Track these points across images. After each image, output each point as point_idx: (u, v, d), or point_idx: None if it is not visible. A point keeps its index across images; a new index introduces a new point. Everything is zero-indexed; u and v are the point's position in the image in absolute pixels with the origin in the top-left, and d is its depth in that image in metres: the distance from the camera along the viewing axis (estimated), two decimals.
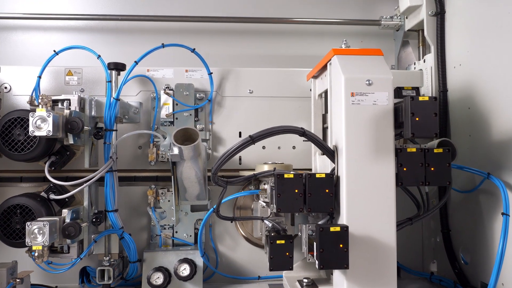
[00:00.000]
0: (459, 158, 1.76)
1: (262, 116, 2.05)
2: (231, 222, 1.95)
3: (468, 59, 1.79)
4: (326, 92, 1.72)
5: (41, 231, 1.41)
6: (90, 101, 1.72)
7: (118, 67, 1.85)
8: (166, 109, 1.95)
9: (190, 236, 1.93)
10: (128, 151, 1.99)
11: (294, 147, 2.06)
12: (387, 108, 1.38)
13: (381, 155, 1.38)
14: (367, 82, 1.38)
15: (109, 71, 1.78)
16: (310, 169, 1.95)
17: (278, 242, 1.48)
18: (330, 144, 1.53)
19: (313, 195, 1.38)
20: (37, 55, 2.43)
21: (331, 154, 1.45)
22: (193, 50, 1.92)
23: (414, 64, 2.20)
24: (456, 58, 1.89)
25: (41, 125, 1.41)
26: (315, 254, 1.34)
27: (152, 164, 1.94)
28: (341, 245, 1.28)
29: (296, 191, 1.39)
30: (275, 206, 1.39)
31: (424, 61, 2.09)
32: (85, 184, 1.58)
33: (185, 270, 1.73)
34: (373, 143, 1.37)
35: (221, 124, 2.04)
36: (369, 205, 1.38)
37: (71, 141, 1.54)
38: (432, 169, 1.42)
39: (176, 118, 1.96)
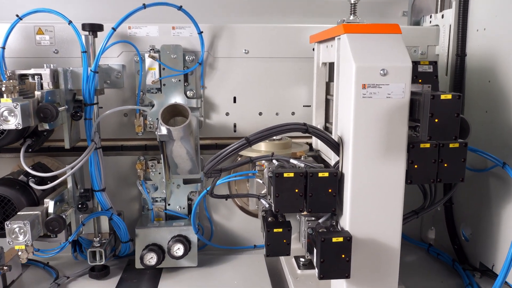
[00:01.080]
0: (471, 135, 1.62)
1: (259, 79, 1.86)
2: (226, 200, 1.86)
3: (495, 24, 1.57)
4: (331, 63, 1.53)
5: (22, 230, 1.31)
6: (65, 74, 1.52)
7: (94, 28, 1.61)
8: (152, 75, 1.75)
9: (184, 208, 1.85)
10: (113, 119, 1.83)
11: (293, 113, 1.91)
12: (402, 101, 1.21)
13: (391, 153, 1.24)
14: (382, 71, 1.19)
15: (83, 37, 1.55)
16: (310, 137, 1.82)
17: (275, 230, 1.41)
18: (334, 133, 1.38)
19: (314, 195, 1.27)
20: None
21: (336, 147, 1.31)
22: (180, 8, 1.67)
23: (430, 17, 1.95)
24: (481, 21, 1.65)
25: (8, 117, 1.23)
26: (315, 261, 1.27)
27: (139, 135, 1.79)
28: (343, 255, 1.20)
29: (296, 190, 1.27)
30: (272, 206, 1.29)
31: (443, 17, 1.85)
32: (67, 174, 1.45)
33: (178, 250, 1.68)
34: (384, 140, 1.23)
35: (214, 89, 1.85)
36: (375, 207, 1.27)
37: (46, 127, 1.38)
38: (446, 165, 1.29)
39: (164, 85, 1.77)
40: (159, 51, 1.74)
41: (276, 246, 1.42)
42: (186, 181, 1.84)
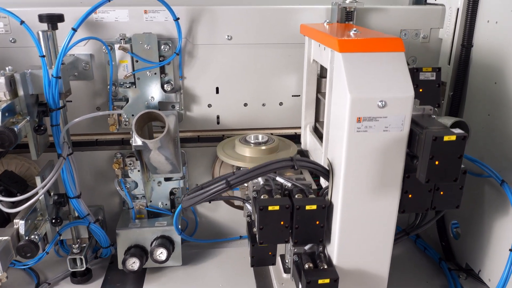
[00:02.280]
0: (470, 138, 1.52)
1: (243, 67, 1.69)
2: (209, 202, 1.78)
3: (509, 18, 1.39)
4: (323, 66, 1.37)
5: None
6: (24, 79, 1.34)
7: (53, 20, 1.40)
8: (124, 68, 1.56)
9: (166, 204, 1.78)
10: (85, 112, 1.66)
11: (281, 103, 1.76)
12: (401, 135, 1.09)
13: (385, 187, 1.14)
14: (380, 103, 1.05)
15: (40, 36, 1.34)
16: (299, 128, 1.70)
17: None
18: (324, 157, 1.27)
19: (301, 227, 1.19)
20: None
21: (326, 174, 1.21)
22: None
23: None
24: (494, 12, 1.46)
25: None
26: None
27: (115, 132, 1.65)
28: None
29: (282, 223, 1.19)
30: (257, 237, 1.22)
31: None
32: (39, 195, 1.34)
33: (161, 254, 1.63)
34: (378, 174, 1.12)
35: (194, 78, 1.68)
36: (365, 238, 1.21)
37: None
38: (442, 193, 1.21)
39: (138, 78, 1.59)
40: (131, 40, 1.54)
41: (261, 258, 1.38)
42: (167, 178, 1.75)
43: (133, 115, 1.63)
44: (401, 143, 1.10)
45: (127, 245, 1.67)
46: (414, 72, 1.33)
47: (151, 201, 1.76)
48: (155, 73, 1.59)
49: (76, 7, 1.51)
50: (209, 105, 1.72)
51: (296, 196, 1.22)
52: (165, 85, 1.61)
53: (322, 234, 1.21)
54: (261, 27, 1.63)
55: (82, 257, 1.58)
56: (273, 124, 1.78)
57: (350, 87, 1.05)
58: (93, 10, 1.36)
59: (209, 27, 1.61)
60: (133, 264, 1.62)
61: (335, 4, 1.58)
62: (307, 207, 1.18)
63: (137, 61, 1.56)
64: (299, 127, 1.69)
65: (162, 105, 1.65)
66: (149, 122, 1.54)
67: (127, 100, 1.62)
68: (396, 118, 1.07)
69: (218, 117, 1.74)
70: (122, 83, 1.58)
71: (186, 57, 1.64)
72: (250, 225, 1.39)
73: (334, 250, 1.22)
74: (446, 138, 1.02)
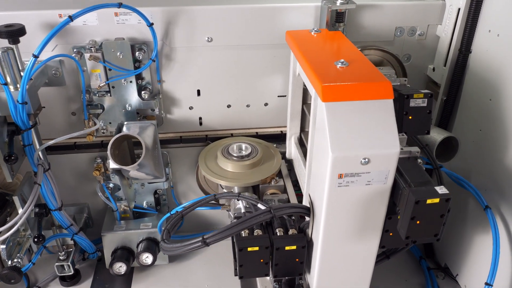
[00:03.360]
0: (460, 151, 1.48)
1: (226, 69, 1.58)
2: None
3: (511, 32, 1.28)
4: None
5: None
6: None
7: (13, 35, 1.27)
8: (97, 77, 1.46)
9: (151, 204, 1.77)
10: (60, 117, 1.59)
11: (266, 104, 1.68)
12: (384, 187, 1.05)
13: (366, 231, 1.13)
14: (364, 160, 1.00)
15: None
16: (285, 127, 1.64)
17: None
18: (305, 193, 1.23)
19: (280, 264, 1.20)
20: None
21: (307, 213, 1.18)
22: (119, 5, 1.30)
23: None
24: (495, 23, 1.34)
25: None
26: None
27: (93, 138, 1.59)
28: None
29: (262, 261, 1.19)
30: (237, 272, 1.22)
31: None
32: (18, 224, 1.31)
33: (147, 258, 1.66)
34: (360, 221, 1.10)
35: (174, 82, 1.58)
36: (345, 273, 1.21)
37: None
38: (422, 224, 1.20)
39: (113, 87, 1.50)
40: (101, 48, 1.42)
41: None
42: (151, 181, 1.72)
43: (110, 123, 1.56)
44: (384, 194, 1.06)
45: (113, 247, 1.69)
46: (405, 99, 1.25)
47: (135, 202, 1.75)
48: (131, 81, 1.49)
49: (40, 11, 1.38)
50: (191, 108, 1.64)
51: (276, 231, 1.21)
52: (143, 93, 1.52)
53: (301, 269, 1.22)
54: (243, 28, 1.50)
55: (69, 263, 1.61)
56: (258, 124, 1.72)
57: (333, 145, 0.99)
58: (54, 33, 1.24)
59: (187, 29, 1.47)
60: (120, 268, 1.65)
61: (324, 4, 1.44)
62: (287, 248, 1.18)
63: (110, 70, 1.45)
64: (285, 126, 1.63)
65: (140, 111, 1.57)
66: (127, 139, 1.48)
67: (103, 107, 1.53)
68: (380, 172, 1.03)
69: (200, 118, 1.67)
70: (96, 92, 1.49)
71: (164, 60, 1.53)
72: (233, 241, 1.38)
73: (313, 281, 1.24)
74: (429, 201, 0.99)
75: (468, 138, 1.49)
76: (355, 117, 1.01)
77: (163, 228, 1.21)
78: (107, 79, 1.46)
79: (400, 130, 1.27)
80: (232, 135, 1.72)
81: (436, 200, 0.98)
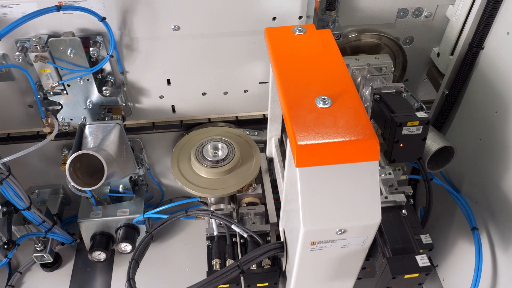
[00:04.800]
0: (456, 156, 1.36)
1: (199, 58, 1.37)
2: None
3: None
4: None
5: None
6: None
7: None
8: (48, 77, 1.27)
9: (128, 188, 1.69)
10: (16, 111, 1.43)
11: (246, 91, 1.50)
12: (360, 249, 0.96)
13: (341, 278, 1.07)
14: (339, 231, 0.89)
15: None
16: (265, 115, 1.51)
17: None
18: (280, 227, 1.13)
19: None
20: None
21: (280, 251, 1.11)
22: (58, 10, 1.05)
23: None
24: None
25: None
26: None
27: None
28: None
29: None
30: None
31: None
32: None
33: (126, 247, 1.63)
34: (333, 273, 1.04)
35: (139, 72, 1.38)
36: None
37: None
38: None
39: (68, 85, 1.31)
40: (48, 46, 1.20)
41: None
42: None
43: (71, 119, 1.41)
44: (361, 253, 0.98)
45: (91, 233, 1.66)
46: (397, 127, 1.09)
47: (110, 186, 1.67)
48: (88, 79, 1.30)
49: None
50: (161, 97, 1.47)
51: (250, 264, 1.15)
52: (104, 89, 1.33)
53: None
54: (216, 14, 1.25)
55: (47, 254, 1.59)
56: (237, 111, 1.56)
57: (305, 218, 0.87)
58: None
59: (148, 17, 1.23)
60: (99, 255, 1.64)
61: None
62: (259, 285, 1.14)
63: (62, 68, 1.25)
64: (265, 115, 1.49)
65: (104, 105, 1.40)
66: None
67: (61, 106, 1.37)
68: (357, 239, 0.93)
69: (173, 106, 1.51)
70: (49, 91, 1.31)
71: (125, 51, 1.31)
72: (209, 250, 1.33)
73: None
74: (406, 277, 0.91)
75: (466, 143, 1.35)
76: (333, 183, 0.88)
77: (130, 259, 1.15)
78: (60, 78, 1.27)
79: (389, 159, 1.14)
80: (209, 120, 1.57)
81: (416, 275, 0.90)
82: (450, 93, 1.38)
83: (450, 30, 1.34)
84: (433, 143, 1.32)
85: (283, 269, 1.16)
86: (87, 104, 1.36)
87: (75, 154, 1.20)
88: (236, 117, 1.58)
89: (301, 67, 1.06)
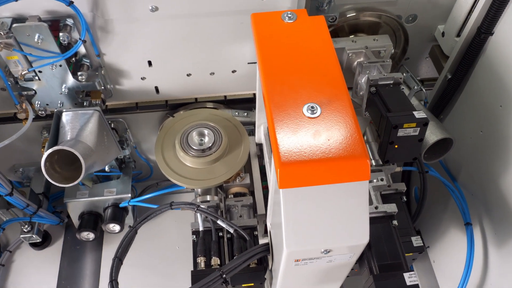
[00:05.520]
0: (454, 146, 1.29)
1: (180, 40, 1.26)
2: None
3: None
4: None
5: None
6: None
7: None
8: (16, 64, 1.16)
9: (114, 167, 1.64)
10: None
11: (234, 71, 1.40)
12: (347, 263, 0.92)
13: (327, 283, 1.05)
14: (324, 251, 0.85)
15: None
16: (255, 94, 1.42)
17: None
18: (267, 221, 1.09)
19: None
20: None
21: (266, 251, 1.07)
22: None
23: None
24: None
25: None
26: None
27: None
28: None
29: None
30: None
31: None
32: None
33: (114, 227, 1.61)
34: (319, 282, 1.01)
35: (116, 54, 1.28)
36: None
37: None
38: None
39: (40, 72, 1.21)
40: (12, 32, 1.09)
41: None
42: None
43: (47, 105, 1.33)
44: (347, 266, 0.94)
45: (79, 212, 1.63)
46: (392, 129, 1.01)
47: None
48: (61, 65, 1.20)
49: None
50: (143, 78, 1.37)
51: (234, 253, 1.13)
52: (79, 74, 1.24)
53: None
54: None
55: (34, 235, 1.57)
56: (225, 91, 1.47)
57: (288, 240, 0.82)
58: None
59: None
60: (88, 235, 1.63)
61: None
62: (244, 285, 1.12)
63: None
64: (254, 94, 1.40)
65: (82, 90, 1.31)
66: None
67: (35, 92, 1.28)
68: (344, 256, 0.89)
69: (156, 87, 1.41)
70: (19, 79, 1.21)
71: (100, 33, 1.20)
72: (194, 246, 1.31)
73: None
74: None
75: (466, 133, 1.28)
76: (319, 204, 0.82)
77: (113, 257, 1.12)
78: (30, 65, 1.17)
79: (382, 160, 1.08)
80: (196, 100, 1.49)
81: None
82: (453, 78, 1.28)
83: (458, 9, 1.22)
84: (431, 134, 1.25)
85: (270, 268, 1.14)
86: (63, 90, 1.27)
87: (49, 151, 1.13)
88: (225, 96, 1.49)
89: (290, 65, 0.95)
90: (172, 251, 1.69)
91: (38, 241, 1.62)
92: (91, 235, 1.62)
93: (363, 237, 0.84)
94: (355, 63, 1.26)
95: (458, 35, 1.24)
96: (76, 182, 1.17)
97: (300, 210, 0.81)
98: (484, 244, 1.24)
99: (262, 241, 1.23)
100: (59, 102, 1.31)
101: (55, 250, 1.69)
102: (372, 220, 0.96)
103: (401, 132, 1.02)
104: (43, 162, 1.14)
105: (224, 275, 0.99)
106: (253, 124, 1.42)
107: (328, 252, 0.85)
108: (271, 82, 0.90)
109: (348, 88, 1.36)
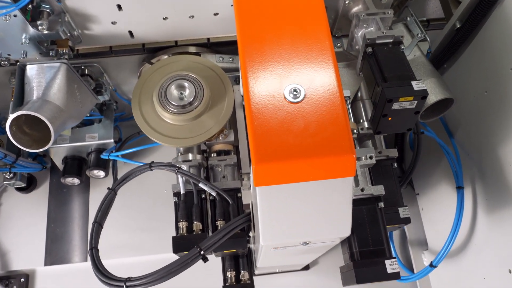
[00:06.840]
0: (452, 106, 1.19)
1: None
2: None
3: None
4: None
5: None
6: None
7: None
8: None
9: (94, 111, 1.55)
10: None
11: (216, 14, 1.24)
12: (327, 245, 0.88)
13: (308, 256, 1.04)
14: (303, 243, 0.81)
15: None
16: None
17: None
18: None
19: None
20: None
21: (247, 222, 1.04)
22: None
23: None
24: None
25: None
26: None
27: None
28: None
29: None
30: None
31: None
32: None
33: (99, 173, 1.58)
34: (300, 255, 1.00)
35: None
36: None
37: None
38: None
39: None
40: None
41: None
42: None
43: (9, 55, 1.20)
44: (327, 247, 0.91)
45: (62, 157, 1.59)
46: (386, 103, 0.90)
47: None
48: (15, 15, 1.05)
49: None
50: (114, 23, 1.22)
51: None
52: (39, 24, 1.09)
53: None
54: None
55: (17, 181, 1.54)
56: (208, 34, 1.32)
57: (264, 235, 0.78)
58: None
59: None
60: (73, 180, 1.60)
61: None
62: (226, 251, 1.11)
63: None
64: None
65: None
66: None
67: None
68: (324, 244, 0.85)
69: (130, 32, 1.27)
70: None
71: None
72: (176, 209, 1.26)
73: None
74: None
75: (469, 90, 1.17)
76: (299, 200, 0.76)
77: (92, 222, 1.09)
78: None
79: (373, 130, 1.00)
80: (176, 43, 1.35)
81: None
82: (462, 28, 1.13)
83: None
84: (431, 93, 1.14)
85: (252, 235, 1.12)
86: (23, 40, 1.13)
87: (13, 116, 1.04)
88: (208, 39, 1.35)
89: (274, 40, 0.83)
90: (160, 195, 1.68)
91: (23, 185, 1.60)
92: (76, 180, 1.59)
93: (343, 231, 0.80)
94: (353, 10, 1.11)
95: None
96: (46, 147, 1.09)
97: (278, 207, 0.76)
98: (474, 209, 1.21)
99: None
100: (22, 51, 1.18)
101: (42, 193, 1.67)
102: (357, 202, 0.92)
103: (396, 106, 0.92)
104: (8, 127, 1.05)
105: (203, 252, 0.97)
106: (239, 70, 1.30)
107: (307, 243, 0.81)
108: (251, 65, 0.78)
109: (343, 35, 1.24)
